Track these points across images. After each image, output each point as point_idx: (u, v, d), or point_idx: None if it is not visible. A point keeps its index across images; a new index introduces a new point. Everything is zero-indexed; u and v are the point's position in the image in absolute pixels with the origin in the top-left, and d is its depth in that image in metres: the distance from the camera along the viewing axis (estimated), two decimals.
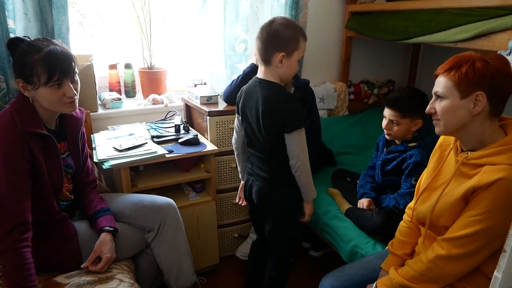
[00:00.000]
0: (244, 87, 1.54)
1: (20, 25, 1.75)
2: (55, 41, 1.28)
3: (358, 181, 1.93)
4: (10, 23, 1.68)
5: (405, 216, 1.33)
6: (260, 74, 1.48)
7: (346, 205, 1.86)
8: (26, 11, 1.76)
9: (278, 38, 1.38)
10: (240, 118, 1.58)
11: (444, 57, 1.12)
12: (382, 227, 1.60)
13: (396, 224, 1.37)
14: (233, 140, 1.69)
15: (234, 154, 1.97)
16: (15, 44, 1.26)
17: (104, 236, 1.37)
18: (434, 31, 1.91)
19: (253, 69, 2.04)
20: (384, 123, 1.72)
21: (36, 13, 1.79)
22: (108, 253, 1.34)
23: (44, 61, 1.21)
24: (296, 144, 1.42)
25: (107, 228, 1.39)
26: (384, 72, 3.11)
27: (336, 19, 2.77)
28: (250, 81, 1.53)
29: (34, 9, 1.78)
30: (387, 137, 1.76)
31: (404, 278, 1.12)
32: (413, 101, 1.67)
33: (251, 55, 2.34)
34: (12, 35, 1.69)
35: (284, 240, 1.62)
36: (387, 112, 1.70)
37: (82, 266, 1.33)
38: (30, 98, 1.28)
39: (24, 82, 1.24)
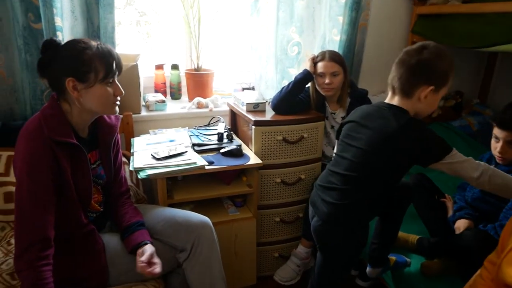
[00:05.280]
0: (362, 108, 1.42)
1: (67, 24, 1.71)
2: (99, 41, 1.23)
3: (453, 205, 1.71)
4: (58, 21, 1.64)
5: (484, 272, 1.09)
6: (390, 101, 1.34)
7: (412, 236, 1.64)
8: (73, 9, 1.72)
9: (430, 68, 1.23)
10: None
11: None
12: (474, 248, 1.35)
13: (489, 252, 1.12)
14: None
15: (279, 168, 1.83)
16: (54, 45, 1.18)
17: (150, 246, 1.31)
18: None
19: (305, 75, 1.86)
20: (498, 146, 1.50)
21: (83, 11, 1.75)
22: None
23: (101, 56, 1.18)
24: (460, 164, 1.25)
25: (149, 242, 1.32)
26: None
27: (401, 22, 2.51)
28: (372, 105, 1.41)
29: (81, 7, 1.74)
30: (499, 161, 1.53)
31: None
32: None
33: (304, 59, 2.17)
34: (59, 33, 1.65)
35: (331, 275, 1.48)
36: (502, 134, 1.48)
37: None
38: (71, 102, 1.20)
39: (76, 81, 1.17)
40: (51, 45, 1.19)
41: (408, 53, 1.27)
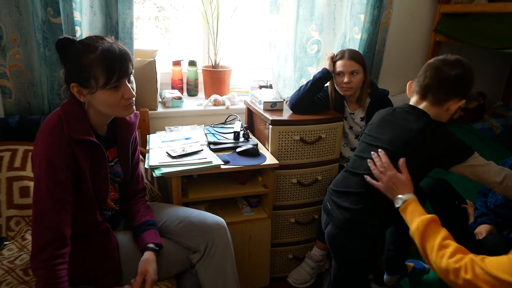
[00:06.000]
0: (385, 110, 1.41)
1: (85, 18, 1.70)
2: (108, 39, 1.15)
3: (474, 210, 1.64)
4: (77, 16, 1.64)
5: None
6: (415, 105, 1.33)
7: None
8: (92, 4, 1.71)
9: (465, 83, 1.25)
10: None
11: None
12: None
13: None
14: None
15: (295, 168, 1.80)
16: (65, 46, 1.14)
17: (149, 255, 1.25)
18: None
19: (324, 74, 1.81)
20: None
21: (102, 6, 1.74)
22: (154, 275, 1.22)
23: (101, 61, 1.09)
24: (482, 168, 1.23)
25: (151, 246, 1.27)
26: (474, 83, 2.70)
27: (424, 21, 2.44)
28: (394, 107, 1.39)
29: (100, 2, 1.73)
30: None
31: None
32: None
33: (323, 58, 2.12)
34: (78, 28, 1.64)
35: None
36: None
37: None
38: (85, 103, 1.17)
39: (79, 87, 1.12)
40: (63, 44, 1.14)
41: (446, 64, 1.26)
